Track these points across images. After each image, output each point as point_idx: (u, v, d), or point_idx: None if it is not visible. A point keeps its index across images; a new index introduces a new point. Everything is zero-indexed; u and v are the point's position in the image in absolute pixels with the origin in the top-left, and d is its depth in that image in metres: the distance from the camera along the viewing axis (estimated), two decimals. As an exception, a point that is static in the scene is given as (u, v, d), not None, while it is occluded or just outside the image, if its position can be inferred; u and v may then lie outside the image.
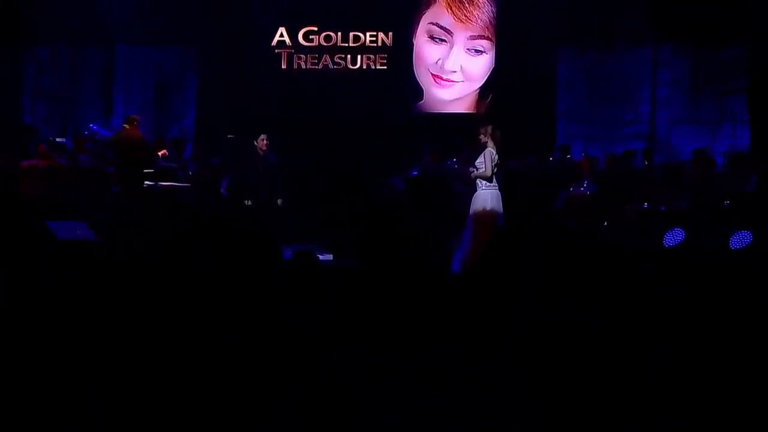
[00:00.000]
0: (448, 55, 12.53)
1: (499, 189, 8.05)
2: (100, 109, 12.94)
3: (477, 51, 12.52)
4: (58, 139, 10.94)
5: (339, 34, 12.70)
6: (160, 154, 10.13)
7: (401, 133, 11.86)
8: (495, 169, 8.03)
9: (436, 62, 12.59)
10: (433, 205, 10.05)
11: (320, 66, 12.73)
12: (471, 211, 8.05)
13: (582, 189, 10.43)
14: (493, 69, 12.52)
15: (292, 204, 10.15)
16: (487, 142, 8.10)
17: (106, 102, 12.95)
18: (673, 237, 8.64)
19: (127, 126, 9.82)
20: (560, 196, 10.73)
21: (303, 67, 12.76)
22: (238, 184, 10.37)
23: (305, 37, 12.71)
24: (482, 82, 12.60)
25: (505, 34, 12.37)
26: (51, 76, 12.88)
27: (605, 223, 9.58)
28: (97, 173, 10.16)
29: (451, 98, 12.73)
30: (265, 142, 9.79)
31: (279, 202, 9.70)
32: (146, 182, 9.73)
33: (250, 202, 9.67)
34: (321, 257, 8.79)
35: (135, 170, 9.49)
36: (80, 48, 12.82)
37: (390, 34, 12.70)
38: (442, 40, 12.56)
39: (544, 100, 12.44)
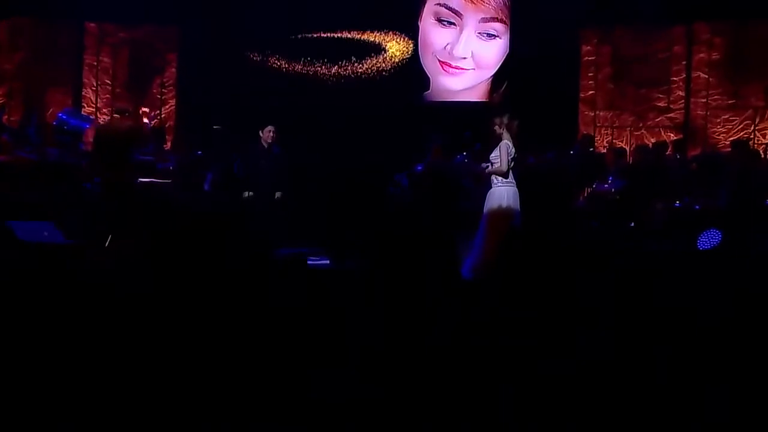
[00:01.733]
0: (458, 39, 12.57)
1: (516, 186, 8.04)
2: (68, 94, 12.91)
3: (489, 35, 12.55)
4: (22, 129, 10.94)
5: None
6: (141, 111, 10.09)
7: (406, 125, 11.89)
8: (511, 164, 8.04)
9: (445, 48, 12.63)
10: (440, 203, 10.04)
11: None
12: (485, 210, 8.06)
13: (606, 185, 10.46)
14: (507, 54, 12.56)
15: (290, 201, 10.14)
16: (502, 134, 8.12)
17: (75, 87, 12.92)
18: (709, 239, 8.64)
19: (118, 116, 9.86)
20: (583, 193, 10.74)
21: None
22: (229, 179, 10.37)
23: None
24: (495, 70, 12.67)
25: (521, 16, 12.41)
26: (10, 54, 12.82)
27: (632, 224, 9.57)
28: (68, 168, 10.14)
29: (461, 87, 12.79)
30: (271, 134, 9.81)
31: (277, 195, 9.69)
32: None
33: (250, 194, 9.67)
34: (317, 262, 8.81)
35: (122, 169, 9.50)
36: (44, 24, 12.77)
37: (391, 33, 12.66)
38: (451, 23, 12.58)
39: (564, 87, 12.48)
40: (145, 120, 10.22)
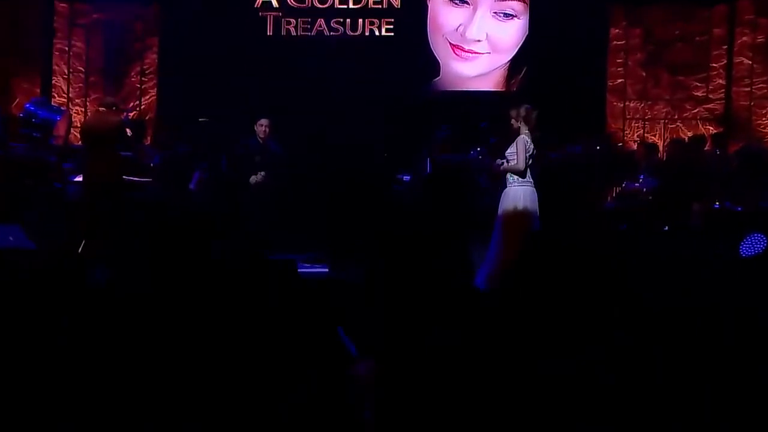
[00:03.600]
0: (471, 20, 12.61)
1: (535, 185, 8.09)
2: (36, 83, 12.96)
3: (506, 15, 12.59)
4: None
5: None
6: (127, 114, 10.16)
7: (413, 117, 11.92)
8: (530, 161, 8.09)
9: (456, 29, 12.67)
10: (449, 203, 10.07)
11: (313, 32, 12.78)
12: (499, 212, 8.12)
13: (637, 184, 10.51)
14: (526, 37, 12.58)
15: (285, 203, 10.22)
16: (519, 127, 8.17)
17: (44, 74, 12.97)
18: (753, 245, 8.64)
19: (104, 109, 9.93)
20: (610, 193, 10.75)
21: (293, 33, 12.81)
22: (218, 178, 10.44)
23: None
24: (513, 54, 12.67)
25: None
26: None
27: (666, 228, 9.61)
28: (37, 165, 10.18)
29: (475, 73, 12.80)
30: (264, 128, 9.93)
31: (254, 178, 9.89)
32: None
33: (261, 175, 9.86)
34: (313, 270, 8.86)
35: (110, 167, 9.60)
36: (8, 4, 12.81)
37: None
38: (464, 2, 12.64)
39: (590, 74, 12.48)
40: (127, 114, 10.29)
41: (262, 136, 10.09)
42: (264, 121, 10.07)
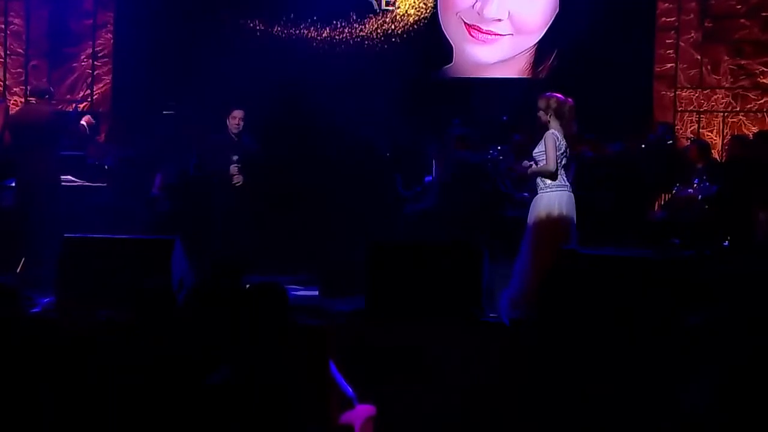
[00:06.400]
0: (491, -4, 12.62)
1: (571, 189, 8.06)
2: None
3: (532, -11, 12.59)
4: None
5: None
6: (84, 122, 10.15)
7: (420, 110, 11.91)
8: (562, 161, 8.04)
9: (473, 6, 12.71)
10: (461, 214, 10.05)
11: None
12: (529, 222, 8.09)
13: (691, 190, 10.50)
14: (556, 15, 12.56)
15: (267, 214, 10.19)
16: (548, 121, 8.12)
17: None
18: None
19: (34, 101, 9.91)
20: (659, 200, 10.70)
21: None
22: (185, 181, 10.42)
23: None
24: (540, 35, 12.68)
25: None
26: None
27: (726, 242, 9.56)
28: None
29: (495, 59, 12.83)
30: (237, 120, 9.92)
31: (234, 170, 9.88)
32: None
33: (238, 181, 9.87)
34: (301, 293, 8.80)
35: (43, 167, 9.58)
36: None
37: None
38: (482, -27, 12.64)
39: (634, 58, 12.42)
40: (83, 123, 10.25)
41: (235, 130, 10.04)
42: (238, 113, 10.03)
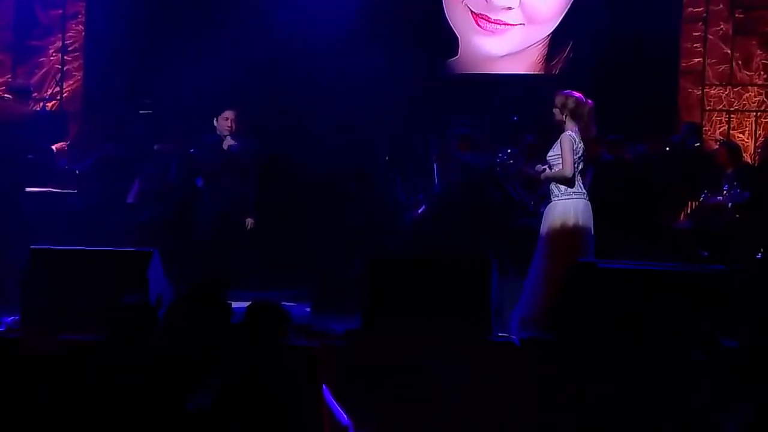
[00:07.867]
0: (500, -18, 12.69)
1: (588, 197, 8.07)
2: None
3: (546, -25, 12.66)
4: None
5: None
6: (55, 148, 10.17)
7: (422, 108, 11.98)
8: (579, 165, 8.07)
9: (481, -5, 12.74)
10: (465, 224, 10.06)
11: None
12: (542, 232, 8.10)
13: (721, 197, 10.50)
14: (572, 3, 12.59)
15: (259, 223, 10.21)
16: (564, 121, 8.13)
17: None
18: None
19: (10, 96, 9.98)
20: (686, 207, 10.69)
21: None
22: (165, 189, 10.45)
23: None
24: (554, 25, 12.71)
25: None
26: None
27: (759, 254, 9.55)
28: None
29: (505, 51, 12.89)
30: (229, 122, 9.91)
31: (249, 223, 9.86)
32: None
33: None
34: (293, 309, 8.79)
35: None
36: None
37: None
38: (490, -42, 12.70)
39: (658, 52, 12.41)
40: (54, 148, 10.31)
41: (226, 132, 10.04)
42: (229, 114, 10.02)
